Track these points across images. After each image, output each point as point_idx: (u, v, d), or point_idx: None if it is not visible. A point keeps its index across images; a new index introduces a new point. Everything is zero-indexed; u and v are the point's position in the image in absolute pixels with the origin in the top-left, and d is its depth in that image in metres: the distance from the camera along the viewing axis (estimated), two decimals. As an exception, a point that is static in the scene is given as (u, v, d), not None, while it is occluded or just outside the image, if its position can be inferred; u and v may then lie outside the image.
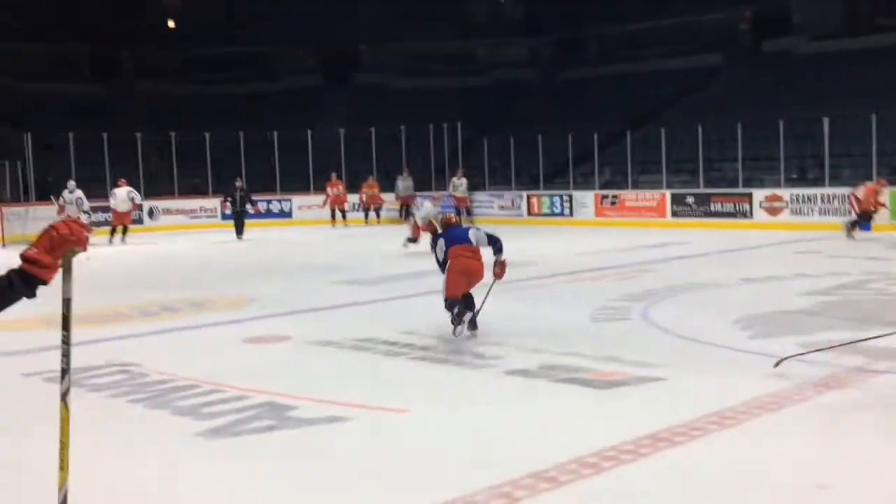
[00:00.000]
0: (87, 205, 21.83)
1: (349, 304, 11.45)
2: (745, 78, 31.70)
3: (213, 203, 28.15)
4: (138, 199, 23.60)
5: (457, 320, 8.65)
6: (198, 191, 29.52)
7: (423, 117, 29.67)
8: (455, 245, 8.95)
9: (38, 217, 21.39)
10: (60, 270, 2.60)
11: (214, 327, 10.08)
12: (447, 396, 6.70)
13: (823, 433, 5.58)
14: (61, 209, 21.29)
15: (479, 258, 9.02)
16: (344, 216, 27.06)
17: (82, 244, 2.59)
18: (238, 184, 23.80)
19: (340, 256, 17.81)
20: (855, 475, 4.82)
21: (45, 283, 2.57)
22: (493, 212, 27.37)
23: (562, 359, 7.65)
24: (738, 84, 31.41)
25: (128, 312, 11.09)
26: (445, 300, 8.78)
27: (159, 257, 19.35)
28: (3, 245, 22.29)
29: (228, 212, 24.59)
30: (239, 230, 22.98)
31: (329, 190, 27.04)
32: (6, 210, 24.44)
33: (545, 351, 7.98)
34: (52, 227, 2.59)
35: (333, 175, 27.26)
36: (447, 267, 8.88)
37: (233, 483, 4.94)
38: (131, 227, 23.23)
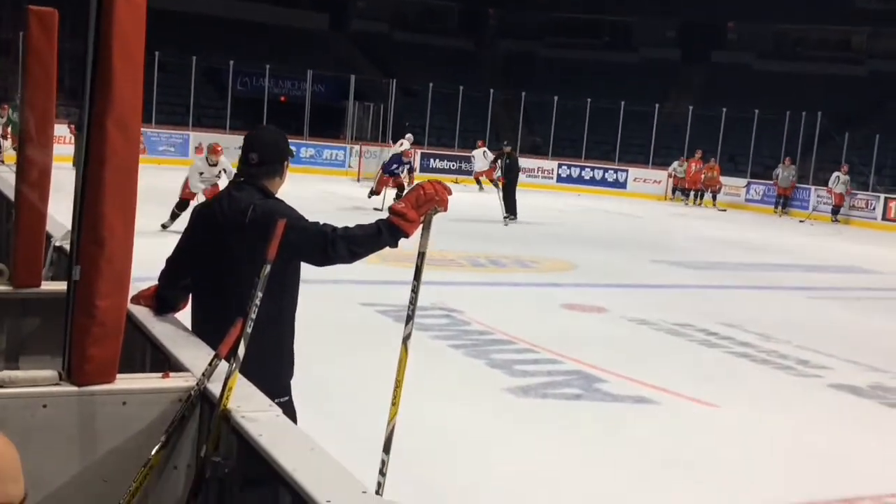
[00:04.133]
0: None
1: (671, 286, 11.25)
2: None
3: (551, 165, 28.95)
4: (490, 157, 20.99)
5: None
6: (538, 151, 30.26)
7: (780, 103, 28.08)
8: None
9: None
10: (421, 226, 2.82)
11: (536, 287, 10.37)
12: (762, 400, 6.39)
13: None
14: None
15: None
16: (715, 198, 26.19)
17: (444, 204, 2.81)
18: (507, 148, 18.79)
19: (669, 236, 17.47)
20: None
21: (406, 236, 2.84)
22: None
23: (898, 383, 7.03)
24: None
25: (458, 260, 11.69)
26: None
27: (492, 209, 19.81)
28: (358, 180, 24.23)
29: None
30: (509, 207, 17.78)
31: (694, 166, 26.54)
32: (364, 148, 26.56)
33: (880, 370, 7.37)
34: (419, 185, 2.84)
35: (714, 159, 26.75)
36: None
37: (534, 443, 5.10)
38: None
